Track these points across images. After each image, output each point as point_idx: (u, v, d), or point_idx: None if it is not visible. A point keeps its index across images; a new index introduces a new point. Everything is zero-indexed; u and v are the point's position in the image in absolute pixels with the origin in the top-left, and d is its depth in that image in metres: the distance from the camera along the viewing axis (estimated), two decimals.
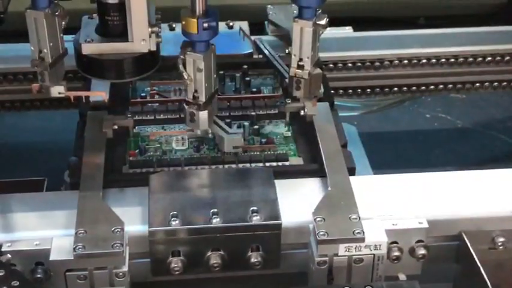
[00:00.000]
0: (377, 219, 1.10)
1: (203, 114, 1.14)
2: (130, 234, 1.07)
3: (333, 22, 1.46)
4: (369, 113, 1.73)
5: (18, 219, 1.11)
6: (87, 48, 1.13)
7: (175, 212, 1.08)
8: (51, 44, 1.09)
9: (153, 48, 1.14)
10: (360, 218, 1.08)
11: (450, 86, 1.56)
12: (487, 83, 1.56)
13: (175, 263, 1.08)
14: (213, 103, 1.16)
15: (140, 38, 1.12)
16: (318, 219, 1.08)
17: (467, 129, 1.79)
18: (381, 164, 1.51)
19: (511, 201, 1.14)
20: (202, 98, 1.13)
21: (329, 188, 1.14)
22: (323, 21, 1.13)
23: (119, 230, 1.06)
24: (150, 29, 1.12)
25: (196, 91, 1.13)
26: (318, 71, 1.17)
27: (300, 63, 1.15)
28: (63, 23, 1.10)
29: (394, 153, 1.72)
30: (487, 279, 1.05)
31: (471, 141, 1.76)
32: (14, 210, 1.12)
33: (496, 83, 1.56)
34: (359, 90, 1.53)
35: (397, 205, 1.13)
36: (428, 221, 1.10)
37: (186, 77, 1.11)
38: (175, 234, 1.07)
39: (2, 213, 1.12)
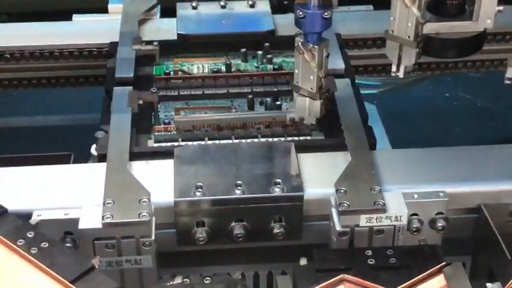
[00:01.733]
0: (398, 191, 1.11)
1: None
2: (156, 205, 1.09)
3: (354, 0, 1.48)
4: (389, 91, 1.75)
5: (47, 190, 1.13)
6: (428, 28, 1.08)
7: (199, 184, 1.11)
8: None
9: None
10: (381, 189, 1.10)
11: (470, 63, 1.57)
12: (506, 61, 1.56)
13: (200, 233, 1.11)
14: None
15: (486, 16, 1.07)
16: (339, 190, 1.10)
17: (487, 108, 1.80)
18: (401, 143, 1.52)
19: None
20: None
21: (350, 161, 1.16)
22: None
23: (146, 200, 1.09)
24: (497, 8, 1.08)
25: None
26: None
27: None
28: None
29: (414, 132, 1.73)
30: (506, 252, 1.07)
31: (490, 120, 1.77)
32: (43, 181, 1.15)
33: None
34: (379, 67, 1.55)
35: (417, 178, 1.15)
36: (448, 194, 1.11)
37: None
38: (200, 205, 1.10)
39: (32, 184, 1.15)
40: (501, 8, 1.08)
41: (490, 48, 1.54)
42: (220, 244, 1.13)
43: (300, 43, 1.11)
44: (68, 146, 1.49)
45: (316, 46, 1.09)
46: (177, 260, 1.15)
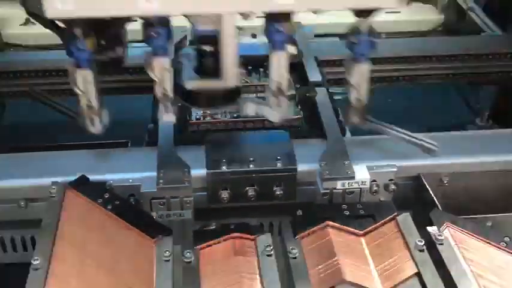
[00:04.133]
0: (362, 164, 1.16)
1: None
2: (194, 175, 1.13)
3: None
4: None
5: (115, 165, 1.17)
6: (190, 84, 1.08)
7: (224, 160, 1.15)
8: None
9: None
10: (350, 163, 1.14)
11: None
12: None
13: (224, 194, 1.14)
14: None
15: (231, 75, 1.04)
16: (322, 164, 1.14)
17: (417, 107, 1.84)
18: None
19: (453, 155, 1.20)
20: None
21: (329, 144, 1.20)
22: None
23: (187, 171, 1.12)
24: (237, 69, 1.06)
25: None
26: None
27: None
28: None
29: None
30: (439, 205, 1.12)
31: (420, 118, 1.80)
32: (111, 159, 1.19)
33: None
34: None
35: (376, 155, 1.19)
36: (397, 167, 1.16)
37: None
38: (224, 175, 1.14)
39: (104, 161, 1.18)
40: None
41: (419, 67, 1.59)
42: (238, 202, 1.16)
43: None
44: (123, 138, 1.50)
45: None
46: (208, 215, 1.19)
